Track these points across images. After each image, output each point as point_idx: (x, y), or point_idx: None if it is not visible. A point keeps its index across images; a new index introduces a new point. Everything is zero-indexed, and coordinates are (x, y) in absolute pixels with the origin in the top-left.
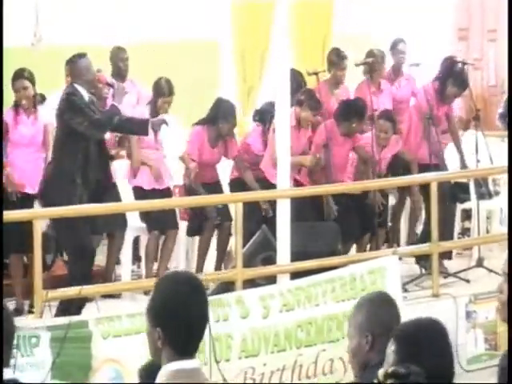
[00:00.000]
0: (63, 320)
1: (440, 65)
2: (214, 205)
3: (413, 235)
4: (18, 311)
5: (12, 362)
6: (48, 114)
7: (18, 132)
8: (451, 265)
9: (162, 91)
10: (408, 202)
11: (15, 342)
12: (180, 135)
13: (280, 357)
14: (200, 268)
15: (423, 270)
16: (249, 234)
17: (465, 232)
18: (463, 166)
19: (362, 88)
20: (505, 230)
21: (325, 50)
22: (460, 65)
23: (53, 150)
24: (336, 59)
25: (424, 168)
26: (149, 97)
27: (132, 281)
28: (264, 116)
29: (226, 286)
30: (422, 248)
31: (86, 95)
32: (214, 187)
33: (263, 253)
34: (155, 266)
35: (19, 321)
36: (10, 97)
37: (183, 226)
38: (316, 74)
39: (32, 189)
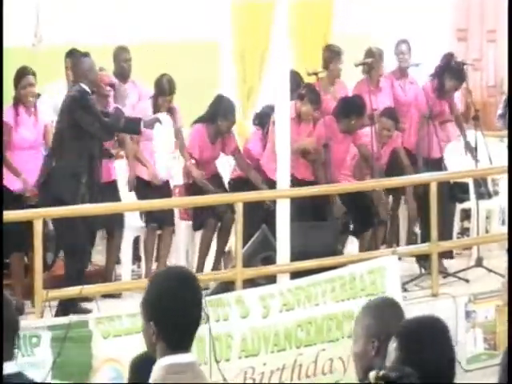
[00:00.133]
0: (64, 320)
1: (439, 62)
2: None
3: (411, 235)
4: (19, 311)
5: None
6: (46, 112)
7: (19, 134)
8: (451, 264)
9: (163, 90)
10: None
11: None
12: (172, 133)
13: (280, 356)
14: (200, 268)
15: (423, 270)
16: (250, 228)
17: (464, 232)
18: (467, 147)
19: (360, 86)
20: (504, 229)
21: None
22: (455, 60)
23: (53, 146)
24: (330, 55)
25: (423, 163)
26: (150, 96)
27: (132, 280)
28: (264, 120)
29: (226, 286)
30: (422, 248)
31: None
32: (213, 180)
33: (263, 252)
34: (155, 266)
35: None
36: (9, 97)
37: (183, 225)
38: (316, 74)
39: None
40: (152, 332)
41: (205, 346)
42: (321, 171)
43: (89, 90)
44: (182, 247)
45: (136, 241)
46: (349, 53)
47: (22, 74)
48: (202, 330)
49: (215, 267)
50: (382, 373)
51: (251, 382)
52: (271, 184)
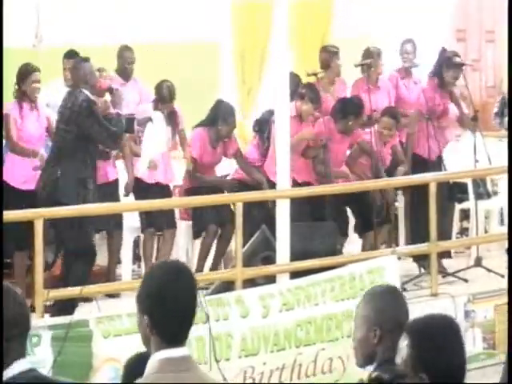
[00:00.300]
0: (64, 319)
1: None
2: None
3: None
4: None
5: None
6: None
7: (25, 127)
8: (450, 264)
9: (164, 97)
10: (404, 200)
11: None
12: (166, 133)
13: (279, 356)
14: (200, 269)
15: (422, 270)
16: (251, 226)
17: (463, 232)
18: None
19: (358, 84)
20: (503, 229)
21: None
22: (448, 53)
23: (58, 152)
24: (328, 55)
25: (423, 163)
26: (150, 96)
27: (132, 280)
28: (263, 126)
29: (226, 286)
30: (421, 248)
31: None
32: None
33: (263, 252)
34: None
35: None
36: (9, 98)
37: (183, 225)
38: (315, 74)
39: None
40: (146, 325)
41: (205, 345)
42: (320, 166)
43: (94, 99)
44: (182, 247)
45: (136, 241)
46: (349, 53)
47: (29, 70)
48: (202, 330)
49: (214, 270)
50: (374, 374)
51: (251, 381)
52: (274, 187)
